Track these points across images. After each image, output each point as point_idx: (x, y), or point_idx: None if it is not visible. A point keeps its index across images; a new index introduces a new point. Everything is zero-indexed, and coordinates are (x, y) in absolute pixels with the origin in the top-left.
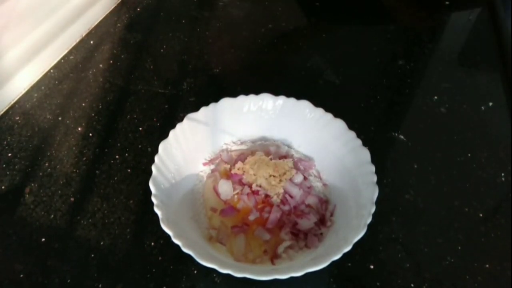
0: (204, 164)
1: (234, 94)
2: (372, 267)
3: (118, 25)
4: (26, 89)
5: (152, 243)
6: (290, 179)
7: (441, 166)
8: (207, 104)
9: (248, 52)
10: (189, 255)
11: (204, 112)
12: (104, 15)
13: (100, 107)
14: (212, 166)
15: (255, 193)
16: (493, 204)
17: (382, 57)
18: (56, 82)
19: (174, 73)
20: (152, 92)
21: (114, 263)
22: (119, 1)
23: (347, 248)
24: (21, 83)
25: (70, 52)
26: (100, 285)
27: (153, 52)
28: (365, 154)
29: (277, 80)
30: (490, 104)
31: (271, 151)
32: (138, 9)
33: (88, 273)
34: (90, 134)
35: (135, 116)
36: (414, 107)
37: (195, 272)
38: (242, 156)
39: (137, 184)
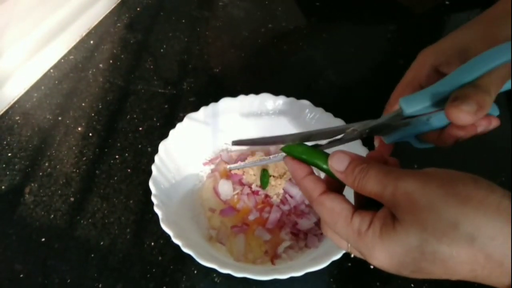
0: (204, 164)
1: (234, 94)
2: (372, 267)
3: (118, 24)
4: (26, 89)
5: (152, 243)
6: (290, 179)
7: (441, 167)
8: (207, 104)
9: (248, 52)
10: (189, 255)
11: (204, 112)
12: (104, 15)
13: (100, 107)
14: (212, 166)
15: (255, 193)
16: None
17: (382, 57)
18: (56, 82)
19: (174, 73)
20: (152, 92)
21: (114, 263)
22: (119, 1)
23: None
24: (21, 82)
25: (70, 52)
26: (100, 285)
27: (153, 52)
28: (365, 153)
29: (277, 79)
30: None
31: (271, 151)
32: (138, 9)
33: (88, 273)
34: (90, 134)
35: (135, 116)
36: None
37: (195, 272)
38: (242, 156)
39: (137, 184)
